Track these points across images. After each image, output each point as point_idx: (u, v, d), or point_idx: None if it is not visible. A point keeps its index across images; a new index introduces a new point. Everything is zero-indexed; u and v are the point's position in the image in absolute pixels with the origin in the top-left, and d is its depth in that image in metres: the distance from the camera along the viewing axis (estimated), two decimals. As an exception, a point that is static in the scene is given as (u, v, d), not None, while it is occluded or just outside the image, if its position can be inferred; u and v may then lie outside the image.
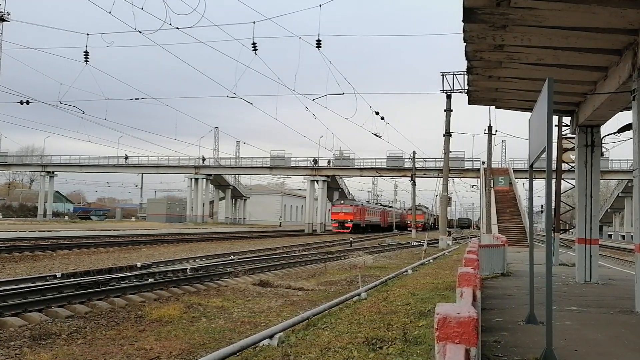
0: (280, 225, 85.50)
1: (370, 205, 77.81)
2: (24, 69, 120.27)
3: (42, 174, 76.99)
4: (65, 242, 26.50)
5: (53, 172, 77.26)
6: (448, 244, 35.99)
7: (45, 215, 75.08)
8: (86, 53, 23.38)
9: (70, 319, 9.36)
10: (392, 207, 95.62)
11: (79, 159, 74.86)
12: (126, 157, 73.59)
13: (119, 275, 14.07)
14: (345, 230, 62.01)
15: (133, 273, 14.64)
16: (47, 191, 77.12)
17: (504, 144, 76.42)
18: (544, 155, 5.48)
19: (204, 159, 73.79)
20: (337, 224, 64.27)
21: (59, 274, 14.00)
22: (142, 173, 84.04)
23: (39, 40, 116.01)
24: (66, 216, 78.23)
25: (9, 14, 54.89)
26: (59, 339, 8.07)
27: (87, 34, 22.54)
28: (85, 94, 56.42)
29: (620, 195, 70.95)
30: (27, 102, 32.12)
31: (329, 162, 68.17)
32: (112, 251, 24.34)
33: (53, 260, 19.65)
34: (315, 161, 68.56)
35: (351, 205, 64.89)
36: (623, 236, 73.48)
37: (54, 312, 9.58)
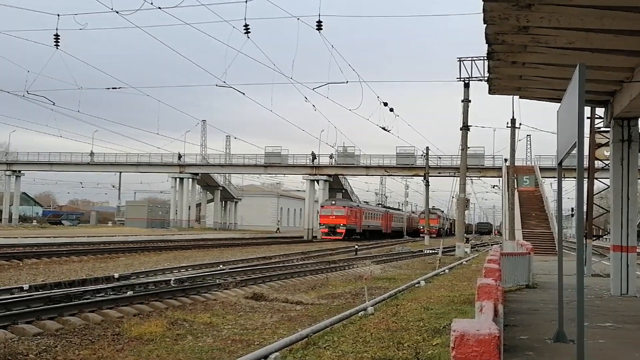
0: (278, 231, 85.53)
1: (369, 206, 74.39)
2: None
3: (7, 173, 77.08)
4: (34, 250, 26.52)
5: (19, 171, 77.36)
6: (466, 252, 36.01)
7: (10, 219, 75.17)
8: (56, 36, 23.38)
9: (39, 337, 9.36)
10: (398, 209, 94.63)
11: (48, 156, 74.98)
12: (92, 154, 73.38)
13: (94, 287, 14.07)
14: (336, 237, 58.05)
15: (110, 285, 14.65)
16: (12, 192, 77.23)
17: (529, 138, 76.24)
18: (575, 151, 5.47)
19: (180, 157, 73.19)
20: (326, 230, 59.90)
21: (26, 286, 14.00)
22: (120, 172, 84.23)
23: (3, 22, 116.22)
24: (34, 221, 78.38)
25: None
26: (26, 360, 8.07)
27: (58, 15, 22.54)
28: (56, 82, 56.75)
29: (660, 196, 70.87)
30: (-10, 92, 32.17)
31: (331, 157, 67.89)
32: (86, 260, 24.36)
33: (20, 270, 19.68)
34: (314, 157, 68.15)
35: (344, 207, 60.71)
36: (664, 243, 73.38)
37: (20, 329, 9.59)
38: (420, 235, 76.43)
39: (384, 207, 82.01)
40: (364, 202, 79.45)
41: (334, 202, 61.60)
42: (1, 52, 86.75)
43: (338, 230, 59.11)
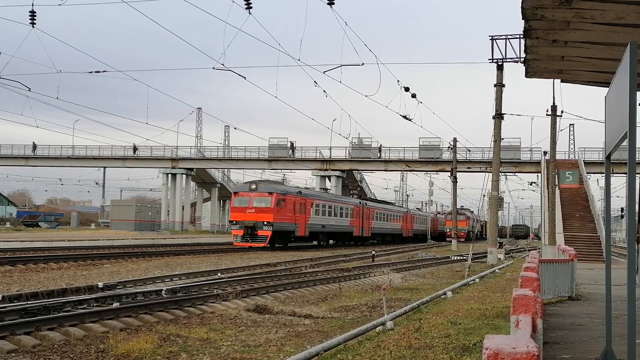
0: None
1: (327, 195, 56.42)
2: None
3: (-23, 168, 77.85)
4: (7, 255, 26.74)
5: (-9, 167, 78.11)
6: (499, 259, 35.96)
7: (-19, 221, 75.91)
8: (32, 13, 23.54)
9: (13, 355, 9.45)
10: (391, 203, 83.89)
11: (23, 149, 75.61)
12: (35, 147, 73.36)
13: (75, 298, 14.17)
14: (257, 244, 41.63)
15: (93, 296, 14.74)
16: (-17, 191, 77.98)
17: (572, 128, 76.10)
18: (625, 142, 5.44)
19: (135, 149, 72.22)
20: (241, 231, 41.85)
21: (-2, 297, 14.12)
22: (105, 167, 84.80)
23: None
24: (8, 222, 79.03)
25: None
26: (-1, 380, 8.15)
27: (34, -11, 22.68)
28: (32, 65, 57.28)
29: None
30: (-42, 77, 32.41)
31: (351, 146, 67.53)
32: (66, 267, 24.54)
33: (-9, 278, 19.84)
34: (292, 147, 66.63)
35: (270, 193, 42.61)
36: None
37: (-8, 346, 9.67)
38: (447, 239, 76.30)
39: (361, 198, 63.48)
40: (323, 189, 66.22)
41: (254, 187, 43.37)
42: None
43: (260, 233, 41.50)
